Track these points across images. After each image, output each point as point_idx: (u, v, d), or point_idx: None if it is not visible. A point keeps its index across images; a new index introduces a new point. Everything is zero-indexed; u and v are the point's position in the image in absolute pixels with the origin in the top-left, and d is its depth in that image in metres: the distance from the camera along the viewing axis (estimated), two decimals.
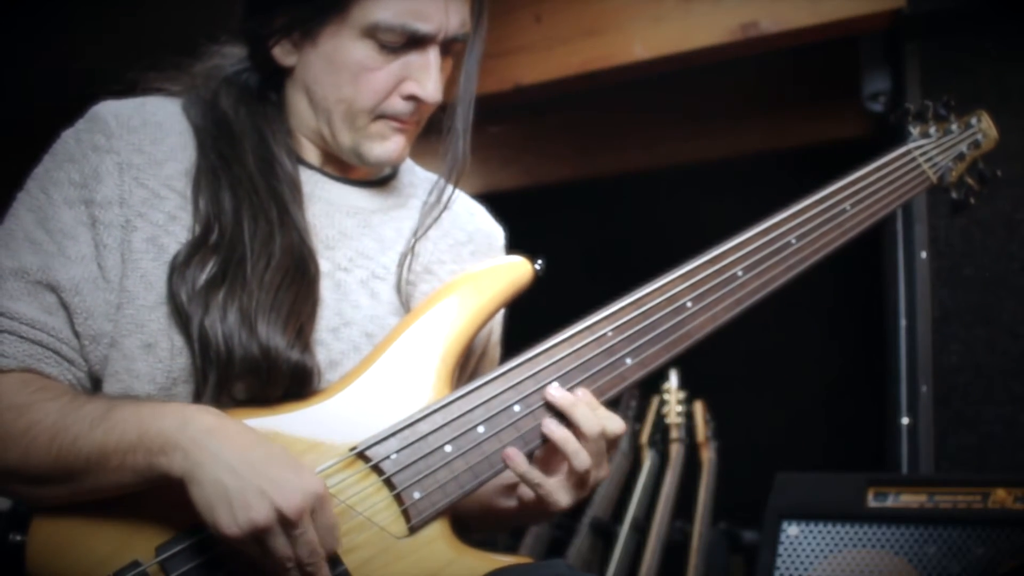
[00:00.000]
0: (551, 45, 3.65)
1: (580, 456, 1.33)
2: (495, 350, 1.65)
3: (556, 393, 1.36)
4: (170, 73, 1.49)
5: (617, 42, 3.53)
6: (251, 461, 1.17)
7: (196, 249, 1.33)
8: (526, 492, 1.38)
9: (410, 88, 1.40)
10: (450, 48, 1.43)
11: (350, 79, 1.39)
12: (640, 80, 3.68)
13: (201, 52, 1.50)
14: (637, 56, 3.49)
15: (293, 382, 1.31)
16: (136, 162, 1.37)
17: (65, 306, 1.31)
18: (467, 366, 1.59)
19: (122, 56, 1.51)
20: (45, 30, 3.90)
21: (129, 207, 1.35)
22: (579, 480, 1.35)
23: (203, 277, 1.30)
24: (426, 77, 1.40)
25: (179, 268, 1.31)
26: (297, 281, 1.35)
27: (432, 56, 1.40)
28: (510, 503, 1.45)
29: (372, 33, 1.37)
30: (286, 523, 1.15)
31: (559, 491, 1.35)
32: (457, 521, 1.44)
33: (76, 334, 1.32)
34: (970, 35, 3.06)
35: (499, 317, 1.65)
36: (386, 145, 1.44)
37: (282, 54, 1.42)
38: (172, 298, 1.30)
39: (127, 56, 1.49)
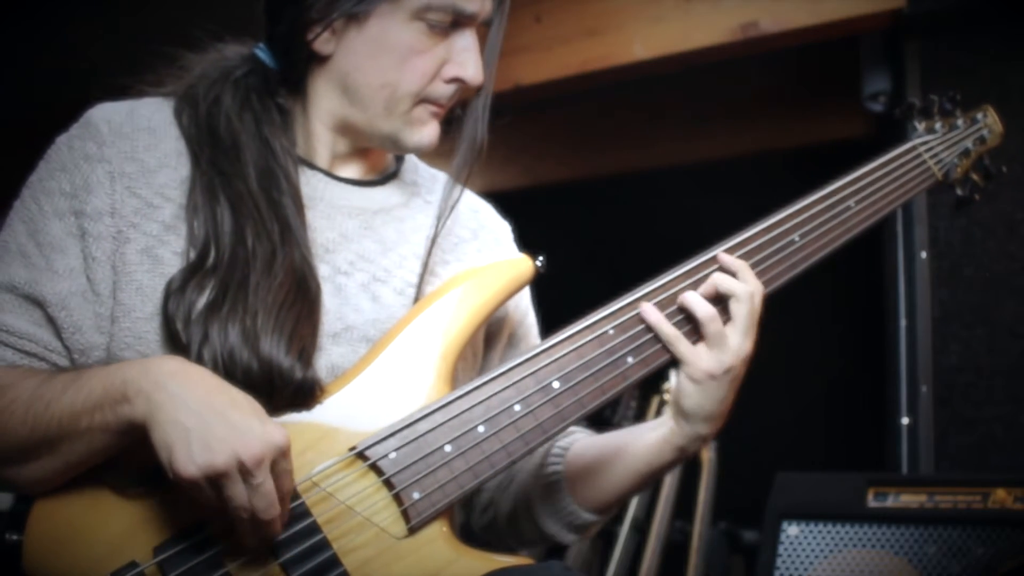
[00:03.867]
0: (551, 45, 3.65)
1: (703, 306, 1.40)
2: (525, 342, 1.63)
3: (726, 257, 1.44)
4: (167, 71, 1.47)
5: (617, 42, 3.54)
6: (214, 405, 1.15)
7: (192, 273, 1.30)
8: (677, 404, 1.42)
9: (453, 71, 1.41)
10: (476, 32, 1.44)
11: (397, 62, 1.39)
12: (640, 80, 3.68)
13: (201, 48, 1.48)
14: (637, 56, 3.49)
15: (296, 399, 1.30)
16: (128, 171, 1.35)
17: (52, 320, 1.30)
18: (491, 357, 1.58)
19: (123, 55, 1.50)
20: (45, 30, 3.89)
21: (121, 217, 1.33)
22: (717, 335, 1.39)
23: (202, 301, 1.28)
24: (469, 59, 1.41)
25: (175, 293, 1.29)
26: (300, 300, 1.33)
27: (472, 39, 1.41)
28: (651, 435, 1.46)
29: (422, 14, 1.37)
30: (244, 471, 1.13)
31: (698, 349, 1.40)
32: (599, 507, 1.51)
33: (66, 347, 1.31)
34: (970, 35, 3.06)
35: (525, 304, 1.64)
36: (423, 131, 1.44)
37: (322, 43, 1.41)
38: (168, 323, 1.28)
39: (128, 55, 1.48)
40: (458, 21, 1.40)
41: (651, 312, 1.41)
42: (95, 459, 1.22)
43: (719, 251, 1.46)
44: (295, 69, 1.44)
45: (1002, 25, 3.02)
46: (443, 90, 1.42)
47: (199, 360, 1.25)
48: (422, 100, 1.42)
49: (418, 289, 1.45)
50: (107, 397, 1.18)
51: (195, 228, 1.34)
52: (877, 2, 3.15)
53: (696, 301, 1.41)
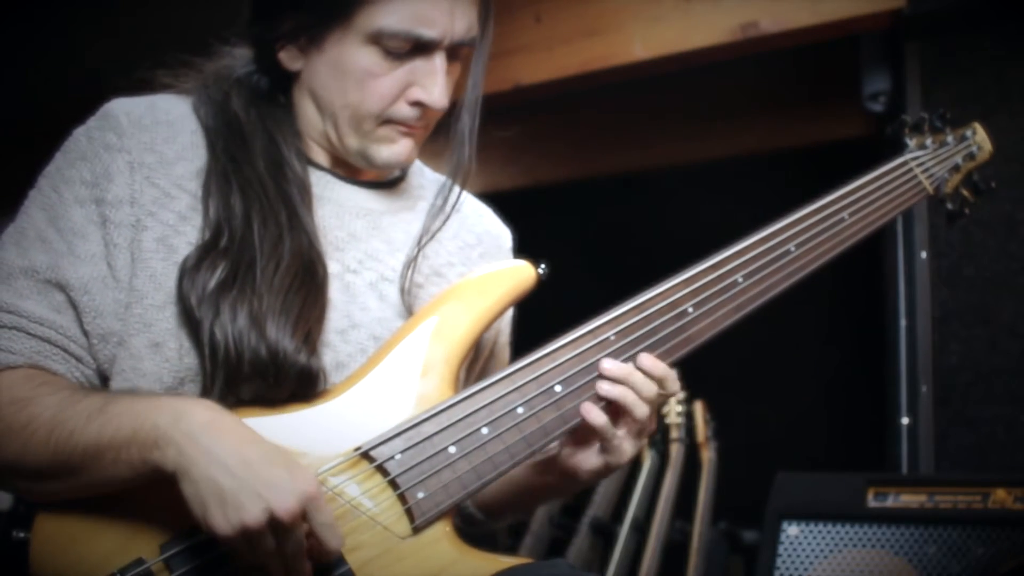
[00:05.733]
0: (551, 45, 3.65)
1: (639, 407, 1.38)
2: (504, 351, 1.66)
3: (610, 366, 1.39)
4: (180, 71, 1.49)
5: (617, 42, 3.54)
6: (245, 459, 1.16)
7: (206, 253, 1.32)
8: (567, 460, 1.42)
9: (416, 94, 1.40)
10: (457, 53, 1.43)
11: (356, 85, 1.39)
12: (640, 80, 3.68)
13: (211, 51, 1.50)
14: (637, 56, 3.50)
15: (299, 385, 1.31)
16: (147, 161, 1.37)
17: (74, 305, 1.32)
18: (474, 367, 1.59)
19: (123, 56, 1.51)
20: (45, 30, 3.90)
21: (140, 206, 1.35)
22: (640, 430, 1.40)
23: (213, 280, 1.30)
24: (432, 83, 1.39)
25: (189, 272, 1.31)
26: (306, 284, 1.35)
27: (438, 62, 1.39)
28: (547, 478, 1.48)
29: (377, 40, 1.36)
30: (277, 525, 1.14)
31: (625, 441, 1.39)
32: (486, 509, 1.51)
33: (84, 332, 1.32)
34: (970, 35, 3.06)
35: (507, 318, 1.66)
36: (393, 148, 1.44)
37: (288, 59, 1.43)
38: (182, 301, 1.30)
39: (128, 56, 1.49)
40: (419, 47, 1.38)
41: (592, 409, 1.38)
42: (113, 488, 1.23)
43: (603, 362, 1.40)
44: (278, 80, 1.47)
45: (1002, 25, 3.02)
46: (407, 112, 1.41)
47: (211, 338, 1.27)
48: (386, 121, 1.42)
49: (403, 280, 1.46)
50: (135, 439, 1.19)
51: (210, 210, 1.36)
52: (877, 2, 3.15)
53: (641, 412, 1.39)
